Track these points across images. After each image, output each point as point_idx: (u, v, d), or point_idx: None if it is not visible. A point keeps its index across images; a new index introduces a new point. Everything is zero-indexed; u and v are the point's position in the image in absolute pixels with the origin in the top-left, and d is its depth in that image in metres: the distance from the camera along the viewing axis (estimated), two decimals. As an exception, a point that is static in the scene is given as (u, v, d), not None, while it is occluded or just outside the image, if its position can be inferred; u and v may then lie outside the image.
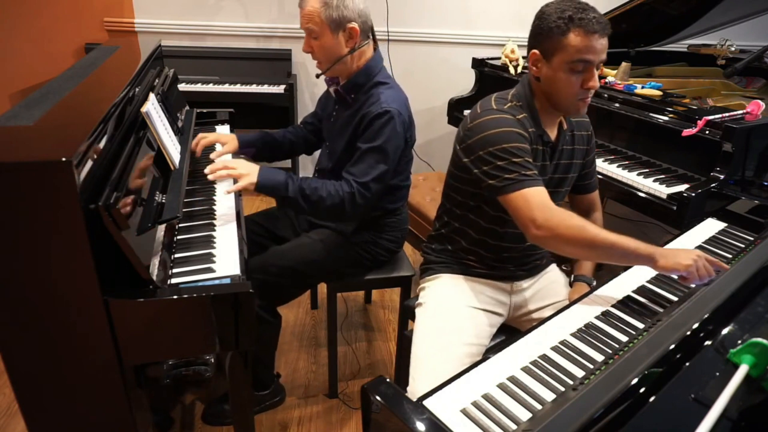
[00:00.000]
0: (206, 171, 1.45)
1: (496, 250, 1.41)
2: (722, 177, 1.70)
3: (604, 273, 1.54)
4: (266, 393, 1.83)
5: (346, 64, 1.59)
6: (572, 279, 1.49)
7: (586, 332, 1.07)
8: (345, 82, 1.64)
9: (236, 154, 1.78)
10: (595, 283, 1.43)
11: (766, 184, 1.79)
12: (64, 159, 0.90)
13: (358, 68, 1.61)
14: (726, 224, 1.50)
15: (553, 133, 1.37)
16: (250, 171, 1.47)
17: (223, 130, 2.19)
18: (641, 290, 1.20)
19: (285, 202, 1.55)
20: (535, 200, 1.20)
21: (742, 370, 0.77)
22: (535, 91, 1.33)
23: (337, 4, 1.50)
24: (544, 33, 1.23)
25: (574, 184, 1.50)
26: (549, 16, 1.22)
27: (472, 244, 1.43)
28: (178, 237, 1.36)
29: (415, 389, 1.25)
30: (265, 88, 3.06)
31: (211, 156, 1.69)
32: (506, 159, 1.23)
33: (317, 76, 1.66)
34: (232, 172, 1.45)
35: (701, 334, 0.91)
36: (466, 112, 1.40)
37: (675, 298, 1.17)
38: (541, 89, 1.30)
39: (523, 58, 2.62)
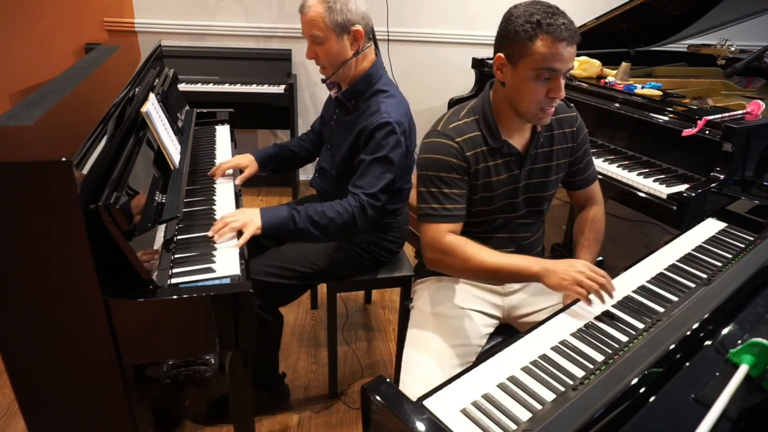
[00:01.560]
0: (210, 234, 1.36)
1: None
2: (722, 177, 1.70)
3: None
4: (271, 393, 1.83)
5: (350, 67, 1.59)
6: None
7: (586, 332, 1.07)
8: (346, 89, 1.64)
9: (257, 174, 1.80)
10: None
11: (766, 184, 1.79)
12: (64, 159, 0.90)
13: (360, 73, 1.60)
14: (726, 224, 1.50)
15: (521, 140, 1.34)
16: (251, 218, 1.41)
17: (223, 130, 2.19)
18: (641, 290, 1.20)
19: (294, 235, 1.51)
20: (429, 236, 1.31)
21: (742, 370, 0.77)
22: (498, 100, 1.30)
23: (341, 7, 1.50)
24: (510, 36, 1.17)
25: (568, 180, 1.49)
26: (516, 19, 1.16)
27: None
28: (178, 237, 1.36)
29: (403, 390, 1.23)
30: (265, 88, 3.06)
31: (236, 182, 1.70)
32: (427, 187, 1.30)
33: (323, 81, 1.66)
34: (234, 226, 1.37)
35: (701, 334, 0.91)
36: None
37: (675, 298, 1.17)
38: (505, 95, 1.27)
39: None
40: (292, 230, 1.48)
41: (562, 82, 1.20)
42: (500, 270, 1.25)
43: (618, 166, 1.98)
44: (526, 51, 1.16)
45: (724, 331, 0.91)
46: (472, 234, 1.39)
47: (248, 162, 1.77)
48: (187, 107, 2.11)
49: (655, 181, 1.83)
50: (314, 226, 1.49)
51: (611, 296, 1.14)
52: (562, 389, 0.92)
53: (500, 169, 1.33)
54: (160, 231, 1.25)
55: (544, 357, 1.00)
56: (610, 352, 1.01)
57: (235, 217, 1.40)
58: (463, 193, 1.31)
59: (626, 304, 1.16)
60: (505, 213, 1.39)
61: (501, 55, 1.22)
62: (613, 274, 1.27)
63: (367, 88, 1.60)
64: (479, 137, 1.30)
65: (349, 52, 1.57)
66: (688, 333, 0.90)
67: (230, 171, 1.76)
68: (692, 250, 1.37)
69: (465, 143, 1.29)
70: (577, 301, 1.17)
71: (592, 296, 1.14)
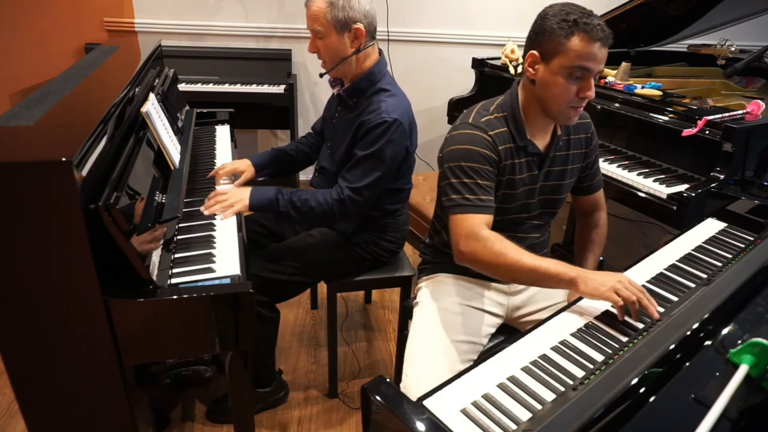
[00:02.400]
0: (202, 210, 1.50)
1: None
2: (722, 177, 1.70)
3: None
4: (269, 390, 1.83)
5: (351, 65, 1.59)
6: None
7: (586, 332, 1.07)
8: (347, 87, 1.64)
9: (254, 179, 1.81)
10: None
11: (766, 184, 1.79)
12: (64, 159, 0.90)
13: (362, 71, 1.61)
14: (726, 224, 1.50)
15: (543, 141, 1.35)
16: (241, 196, 1.54)
17: (223, 130, 2.19)
18: (641, 290, 1.20)
19: (279, 216, 1.62)
20: (463, 227, 1.24)
21: (742, 370, 0.77)
22: (526, 98, 1.31)
23: (343, 4, 1.50)
24: (546, 34, 1.19)
25: (576, 186, 1.50)
26: (553, 17, 1.18)
27: None
28: (178, 237, 1.36)
29: (406, 387, 1.24)
30: (265, 88, 3.06)
31: (233, 186, 1.72)
32: (459, 178, 1.26)
33: (321, 75, 1.66)
34: (224, 204, 1.51)
35: (701, 334, 0.91)
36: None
37: (675, 298, 1.17)
38: (535, 93, 1.28)
39: (524, 58, 2.62)
40: (276, 211, 1.58)
41: (593, 82, 1.21)
42: (536, 271, 1.17)
43: (618, 166, 1.98)
44: (561, 48, 1.17)
45: (724, 331, 0.91)
46: None
47: (245, 167, 1.77)
48: (187, 107, 2.11)
49: (655, 181, 1.83)
50: (296, 211, 1.57)
51: (653, 314, 1.06)
52: (562, 389, 0.92)
53: (523, 168, 1.34)
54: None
55: (544, 357, 1.00)
56: (610, 352, 1.01)
57: (225, 196, 1.53)
58: (493, 186, 1.29)
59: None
60: (520, 213, 1.39)
61: (534, 52, 1.23)
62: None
63: (368, 86, 1.61)
64: (507, 133, 1.31)
65: (349, 49, 1.57)
66: (688, 333, 0.90)
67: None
68: (692, 250, 1.37)
69: (497, 137, 1.29)
70: (577, 300, 1.17)
71: (626, 315, 1.09)
